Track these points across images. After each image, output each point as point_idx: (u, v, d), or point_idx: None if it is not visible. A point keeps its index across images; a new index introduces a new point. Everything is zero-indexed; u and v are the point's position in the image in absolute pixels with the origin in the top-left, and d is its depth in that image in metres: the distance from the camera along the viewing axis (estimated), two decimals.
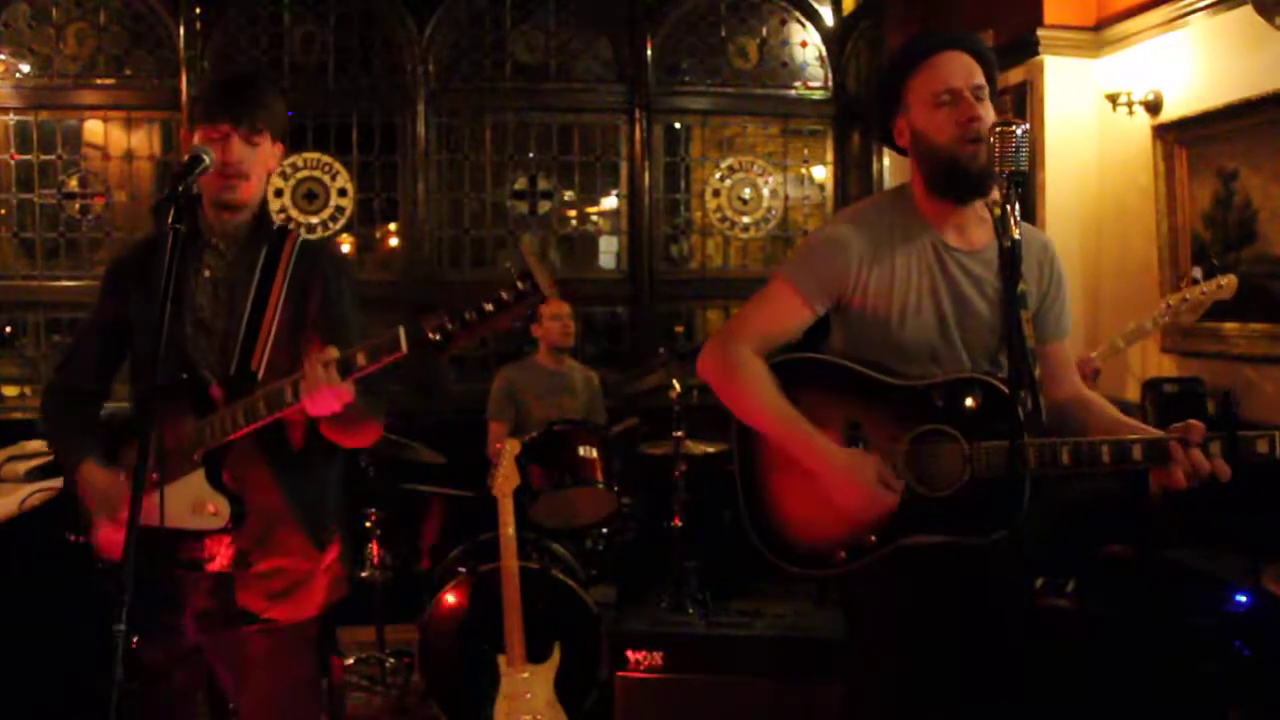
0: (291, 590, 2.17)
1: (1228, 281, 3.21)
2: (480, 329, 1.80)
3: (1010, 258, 1.78)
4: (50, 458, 4.01)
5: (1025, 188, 1.87)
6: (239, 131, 2.09)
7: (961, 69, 2.01)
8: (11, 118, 5.08)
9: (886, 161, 5.42)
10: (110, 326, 2.23)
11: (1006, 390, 1.82)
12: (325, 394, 1.91)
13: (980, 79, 2.02)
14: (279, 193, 5.18)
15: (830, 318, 2.14)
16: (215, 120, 2.08)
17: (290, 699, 2.23)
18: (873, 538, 2.01)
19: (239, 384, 2.07)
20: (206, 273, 2.17)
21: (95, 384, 2.27)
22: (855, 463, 1.95)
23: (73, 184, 5.14)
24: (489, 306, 1.78)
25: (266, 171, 2.20)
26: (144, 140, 5.23)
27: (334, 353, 1.92)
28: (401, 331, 1.85)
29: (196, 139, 2.11)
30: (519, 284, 1.78)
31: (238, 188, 2.12)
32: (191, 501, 2.03)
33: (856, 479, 1.94)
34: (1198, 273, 3.35)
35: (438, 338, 1.80)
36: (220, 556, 2.11)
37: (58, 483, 3.86)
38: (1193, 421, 1.88)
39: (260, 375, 2.08)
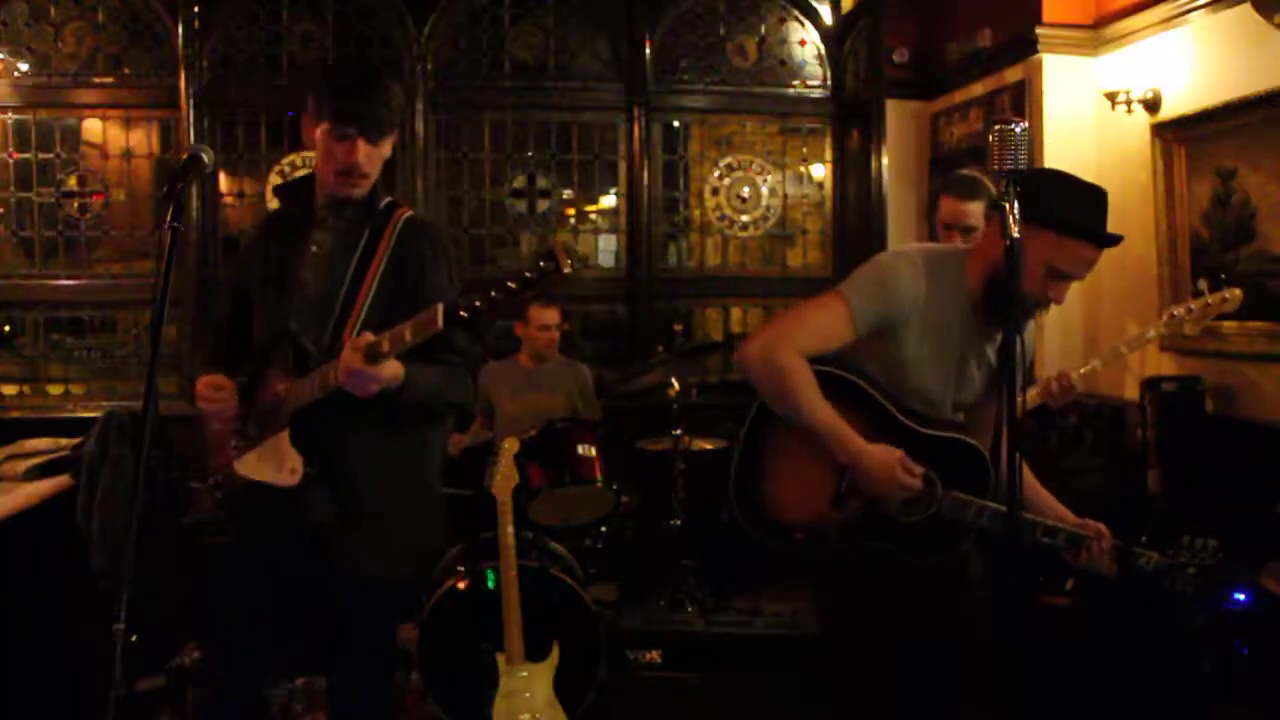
0: (384, 546, 2.28)
1: (1233, 295, 3.22)
2: (507, 305, 1.92)
3: (1009, 258, 1.81)
4: (49, 456, 4.01)
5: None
6: (366, 137, 2.20)
7: (1091, 264, 2.17)
8: (10, 116, 5.07)
9: (885, 160, 5.42)
10: (241, 296, 2.40)
11: (987, 458, 2.21)
12: (357, 377, 2.04)
13: None
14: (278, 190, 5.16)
15: None
16: (344, 125, 2.18)
17: (376, 656, 2.40)
18: (832, 532, 2.26)
19: (334, 351, 2.18)
20: (314, 248, 2.30)
21: (229, 342, 2.43)
22: (885, 455, 2.18)
23: (71, 183, 5.14)
24: (513, 284, 1.90)
25: (383, 160, 2.30)
26: (142, 139, 5.23)
27: (367, 338, 2.05)
28: (439, 309, 1.96)
29: (319, 133, 2.20)
30: (541, 263, 1.89)
31: (359, 185, 2.26)
32: (278, 459, 2.21)
33: (888, 468, 2.17)
34: (1203, 285, 3.37)
35: (467, 315, 1.93)
36: (318, 512, 2.22)
37: (62, 480, 3.88)
38: (1102, 527, 2.25)
39: None
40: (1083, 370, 3.26)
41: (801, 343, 2.24)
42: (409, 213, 2.36)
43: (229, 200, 5.28)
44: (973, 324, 2.26)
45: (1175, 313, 3.26)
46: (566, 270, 1.89)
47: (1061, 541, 2.23)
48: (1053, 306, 2.21)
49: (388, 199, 2.36)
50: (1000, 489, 2.05)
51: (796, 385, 2.21)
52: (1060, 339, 4.69)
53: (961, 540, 2.22)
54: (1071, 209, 2.12)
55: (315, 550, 2.24)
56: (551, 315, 4.51)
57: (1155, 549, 2.24)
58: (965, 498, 2.18)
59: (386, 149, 2.27)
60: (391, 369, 2.07)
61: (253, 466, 2.28)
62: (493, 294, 1.91)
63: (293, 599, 2.31)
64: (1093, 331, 4.70)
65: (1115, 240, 2.18)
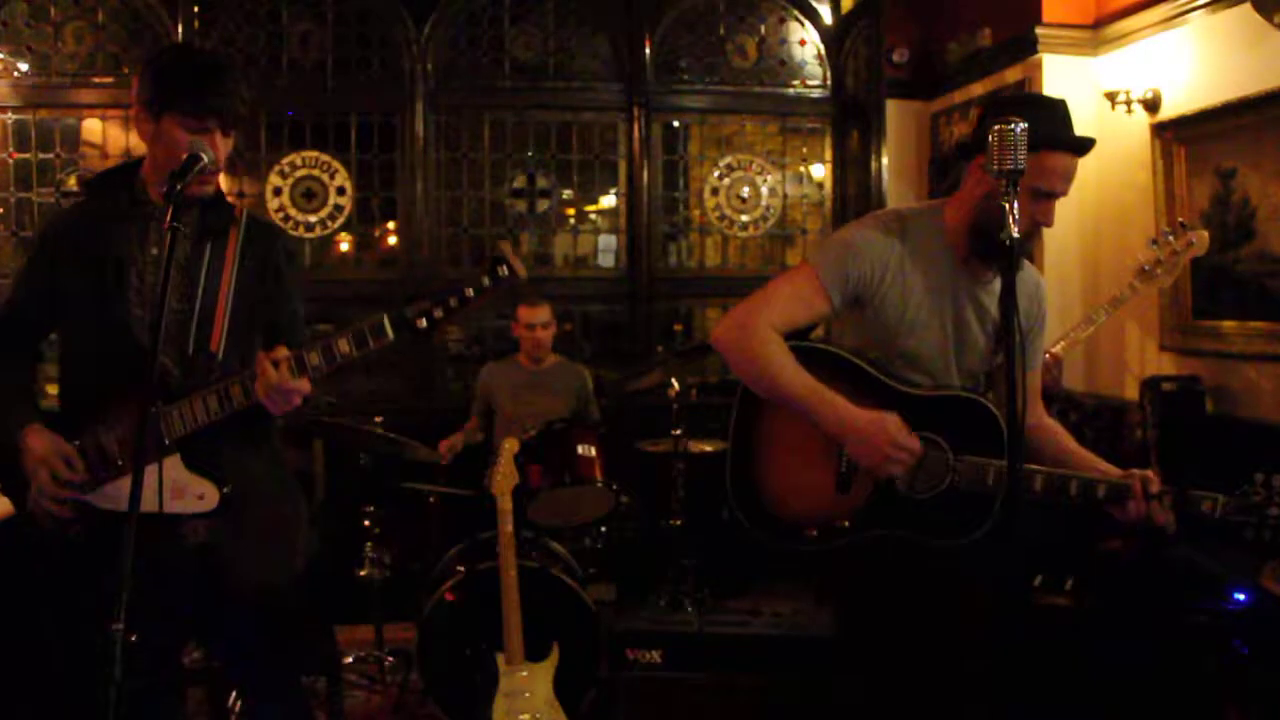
0: (272, 552, 2.22)
1: (1199, 237, 3.17)
2: (461, 312, 1.89)
3: (1008, 255, 1.81)
4: None
5: None
6: (221, 129, 2.07)
7: (1068, 174, 2.08)
8: (10, 116, 5.07)
9: (885, 160, 5.42)
10: (42, 294, 2.18)
11: (997, 413, 2.02)
12: (282, 393, 1.93)
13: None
14: (278, 191, 5.17)
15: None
16: (201, 116, 2.03)
17: (280, 656, 2.32)
18: (846, 523, 2.13)
19: (198, 365, 2.07)
20: (154, 251, 2.12)
21: (33, 345, 2.26)
22: (879, 420, 2.03)
23: (71, 183, 5.13)
24: (469, 292, 1.88)
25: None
26: None
27: (283, 351, 1.94)
28: (385, 318, 1.90)
29: (164, 125, 2.04)
30: (498, 269, 1.90)
31: (210, 183, 2.12)
32: (170, 486, 2.02)
33: (880, 434, 2.02)
34: (1168, 230, 3.31)
35: (424, 324, 1.87)
36: (200, 533, 2.13)
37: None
38: (1150, 473, 2.01)
39: (220, 355, 2.09)
40: (1063, 343, 3.26)
41: (774, 318, 2.15)
42: (248, 210, 2.26)
43: (229, 200, 5.26)
44: (963, 276, 2.16)
45: (1145, 266, 3.23)
46: (522, 274, 1.89)
47: (1103, 494, 2.02)
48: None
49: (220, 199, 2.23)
50: (1019, 454, 1.83)
51: (770, 358, 2.11)
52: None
53: (986, 514, 2.04)
54: (1031, 122, 2.04)
55: (195, 571, 2.14)
56: (539, 314, 4.48)
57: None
58: (980, 460, 2.03)
59: (231, 143, 2.13)
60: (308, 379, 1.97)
61: (123, 498, 2.02)
62: (451, 302, 1.87)
63: (176, 619, 2.21)
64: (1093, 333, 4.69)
65: (1084, 142, 2.10)
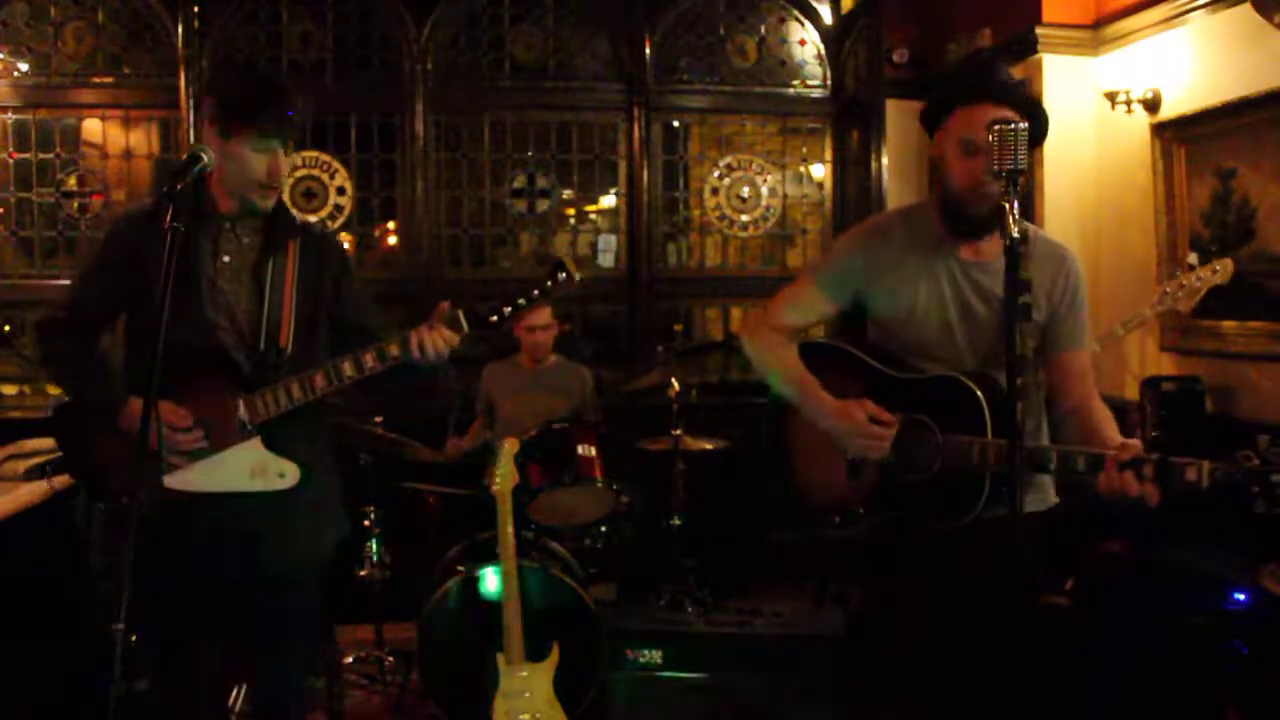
0: (313, 532, 2.40)
1: (1223, 266, 3.20)
2: (524, 312, 2.22)
3: (1009, 256, 1.81)
4: (50, 456, 4.00)
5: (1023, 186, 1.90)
6: (283, 147, 2.26)
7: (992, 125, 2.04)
8: (10, 116, 5.07)
9: (885, 160, 5.42)
10: (105, 295, 2.35)
11: (980, 393, 2.07)
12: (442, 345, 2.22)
13: None
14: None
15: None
16: (267, 135, 2.21)
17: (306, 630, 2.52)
18: (860, 508, 2.27)
19: (268, 360, 2.28)
20: (225, 258, 2.32)
21: (99, 331, 2.42)
22: (849, 406, 2.21)
23: (71, 183, 5.13)
24: (536, 293, 2.19)
25: None
26: (142, 139, 5.22)
27: (445, 309, 2.23)
28: (462, 314, 2.20)
29: (232, 144, 2.20)
30: (560, 274, 2.19)
31: (274, 196, 2.30)
32: (250, 467, 2.26)
33: (850, 417, 2.19)
34: (1193, 259, 3.36)
35: (496, 320, 2.19)
36: (254, 516, 2.27)
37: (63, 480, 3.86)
38: (1130, 441, 1.98)
39: (289, 351, 2.30)
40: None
41: (777, 318, 2.41)
42: (301, 217, 2.46)
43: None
44: (959, 262, 2.24)
45: (1167, 289, 3.25)
46: (577, 280, 2.20)
47: (1082, 467, 1.94)
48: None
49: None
50: (1004, 423, 1.87)
51: (766, 351, 2.38)
52: None
53: (979, 494, 2.04)
54: (957, 80, 2.22)
55: (246, 551, 2.30)
56: (540, 316, 4.46)
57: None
58: (965, 439, 2.07)
59: (292, 157, 2.34)
60: None
61: (204, 479, 2.25)
62: (520, 301, 2.18)
63: (226, 605, 2.34)
64: (1092, 330, 4.70)
65: (1010, 88, 2.17)
